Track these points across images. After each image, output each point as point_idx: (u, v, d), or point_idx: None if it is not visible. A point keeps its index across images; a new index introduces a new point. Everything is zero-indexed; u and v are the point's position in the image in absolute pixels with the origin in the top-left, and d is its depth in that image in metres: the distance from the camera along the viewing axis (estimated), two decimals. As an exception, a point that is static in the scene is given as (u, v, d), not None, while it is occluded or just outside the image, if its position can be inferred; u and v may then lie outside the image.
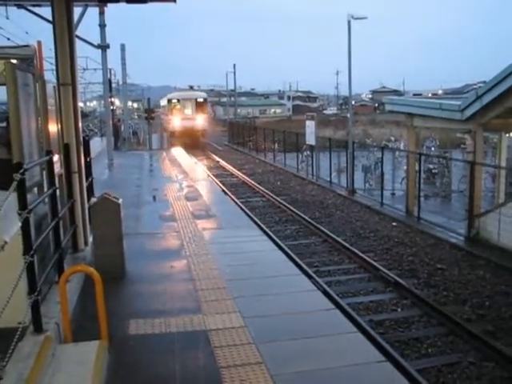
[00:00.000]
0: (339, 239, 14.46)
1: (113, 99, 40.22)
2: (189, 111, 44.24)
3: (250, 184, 24.98)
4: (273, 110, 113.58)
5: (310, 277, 10.45)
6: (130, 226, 9.85)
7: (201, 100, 45.55)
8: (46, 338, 4.79)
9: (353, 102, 33.13)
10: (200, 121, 43.94)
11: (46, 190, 6.45)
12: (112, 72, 42.28)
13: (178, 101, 45.14)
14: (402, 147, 28.84)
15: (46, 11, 11.37)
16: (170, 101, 45.76)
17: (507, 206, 13.52)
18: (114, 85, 43.17)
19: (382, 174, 20.55)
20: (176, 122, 43.23)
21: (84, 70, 42.63)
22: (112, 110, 35.88)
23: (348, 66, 22.44)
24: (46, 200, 6.36)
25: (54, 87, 7.92)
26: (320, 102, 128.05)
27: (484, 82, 21.12)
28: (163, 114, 54.39)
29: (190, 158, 25.38)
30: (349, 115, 24.71)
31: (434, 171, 23.81)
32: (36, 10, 15.20)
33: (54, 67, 8.09)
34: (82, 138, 8.74)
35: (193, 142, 41.65)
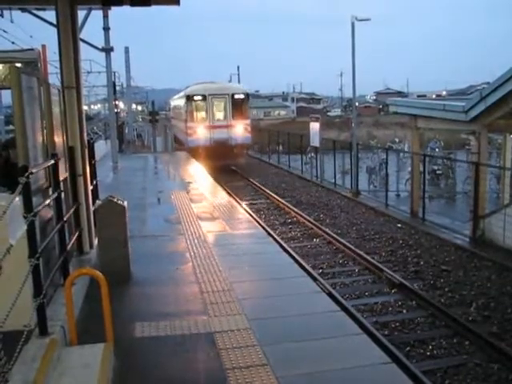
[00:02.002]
0: (344, 241, 14.44)
1: (117, 102, 40.17)
2: (221, 115, 29.18)
3: (254, 186, 25.00)
4: (277, 112, 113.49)
5: (314, 279, 10.44)
6: (135, 228, 9.87)
7: (240, 97, 29.35)
8: (51, 340, 4.80)
9: (357, 104, 33.10)
10: (239, 131, 28.88)
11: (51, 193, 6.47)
12: (116, 75, 42.31)
13: (204, 98, 28.92)
14: (406, 148, 28.81)
15: (50, 15, 11.41)
16: (189, 98, 29.40)
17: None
18: (118, 88, 43.27)
19: (387, 175, 20.54)
20: (200, 132, 28.53)
21: (88, 73, 42.75)
22: (116, 112, 35.90)
23: (352, 68, 22.45)
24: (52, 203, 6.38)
25: (59, 90, 7.94)
26: (324, 103, 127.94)
27: (488, 83, 21.10)
28: (176, 118, 39.24)
29: (194, 162, 25.34)
30: (353, 117, 24.68)
31: (438, 172, 23.82)
32: (40, 13, 15.28)
33: (59, 70, 8.11)
34: (86, 141, 8.77)
35: (227, 164, 28.58)
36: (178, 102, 37.88)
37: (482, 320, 9.58)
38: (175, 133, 38.78)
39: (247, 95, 29.85)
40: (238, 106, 29.08)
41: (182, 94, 34.04)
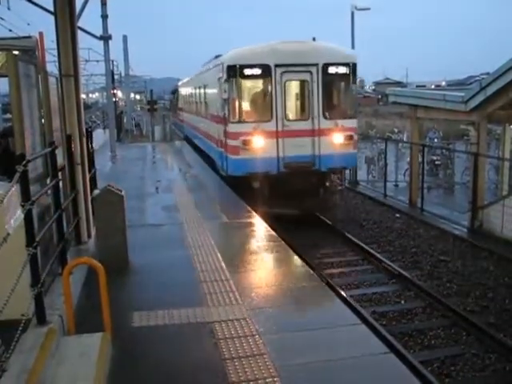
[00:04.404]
0: (342, 231, 14.43)
1: (115, 91, 39.92)
2: (300, 109, 15.46)
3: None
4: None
5: (313, 269, 10.43)
6: (133, 217, 9.85)
7: (341, 70, 14.56)
8: (49, 329, 4.79)
9: (356, 94, 32.90)
10: (337, 142, 14.49)
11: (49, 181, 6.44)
12: (114, 64, 42.16)
13: (266, 72, 14.10)
14: (405, 138, 28.77)
15: (48, 2, 11.33)
16: (233, 73, 14.10)
17: (511, 198, 13.48)
18: (116, 76, 43.09)
19: (386, 165, 20.51)
20: (258, 145, 14.05)
21: (86, 61, 42.63)
22: (114, 101, 35.66)
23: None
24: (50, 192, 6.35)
25: (57, 78, 7.89)
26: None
27: (487, 74, 21.06)
28: (193, 112, 24.91)
29: (193, 151, 25.18)
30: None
31: (437, 163, 23.77)
32: (38, 0, 15.19)
33: (56, 59, 8.05)
34: (84, 130, 8.72)
35: (307, 210, 14.78)
36: (198, 83, 21.93)
37: (479, 310, 9.60)
38: (193, 139, 25.70)
39: (354, 68, 14.62)
40: (335, 91, 15.25)
41: (210, 65, 18.25)
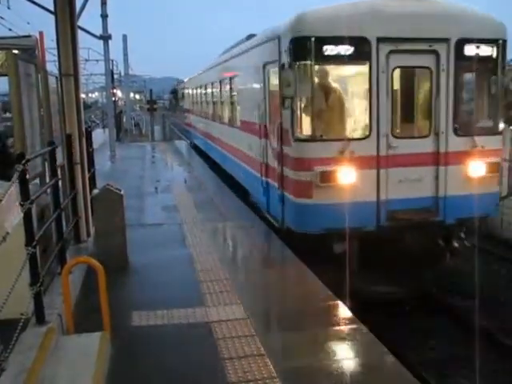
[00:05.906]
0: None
1: (115, 90, 39.88)
2: (417, 117, 9.02)
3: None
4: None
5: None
6: (133, 217, 9.84)
7: (484, 52, 8.23)
8: (48, 329, 4.78)
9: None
10: (475, 173, 8.55)
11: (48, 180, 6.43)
12: (114, 63, 42.13)
13: (362, 50, 7.88)
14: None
15: (48, 1, 11.33)
16: (302, 51, 7.77)
17: (510, 199, 13.47)
18: (115, 76, 43.06)
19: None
20: (346, 178, 7.84)
21: (86, 60, 42.62)
22: (114, 101, 35.62)
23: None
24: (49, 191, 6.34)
25: (57, 78, 7.88)
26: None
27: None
28: (205, 114, 20.16)
29: (193, 150, 25.14)
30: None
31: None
32: (38, 0, 15.18)
33: (56, 58, 8.04)
34: (84, 130, 8.71)
35: (422, 289, 9.08)
36: (220, 76, 16.05)
37: (479, 311, 9.57)
38: (209, 151, 20.05)
39: (504, 48, 8.47)
40: (473, 87, 9.39)
41: (243, 48, 12.38)
